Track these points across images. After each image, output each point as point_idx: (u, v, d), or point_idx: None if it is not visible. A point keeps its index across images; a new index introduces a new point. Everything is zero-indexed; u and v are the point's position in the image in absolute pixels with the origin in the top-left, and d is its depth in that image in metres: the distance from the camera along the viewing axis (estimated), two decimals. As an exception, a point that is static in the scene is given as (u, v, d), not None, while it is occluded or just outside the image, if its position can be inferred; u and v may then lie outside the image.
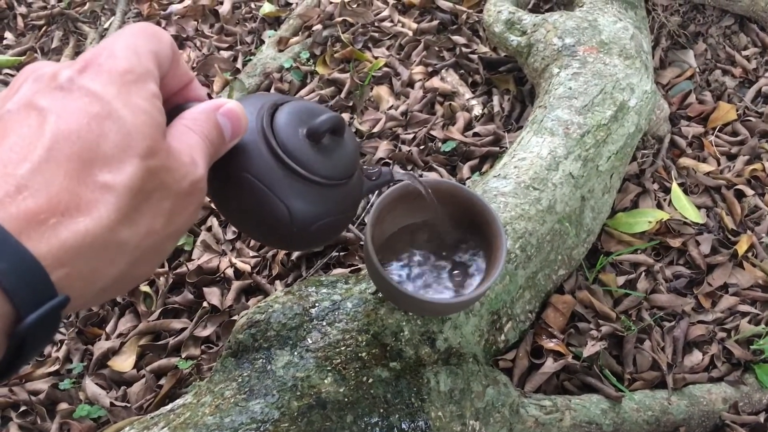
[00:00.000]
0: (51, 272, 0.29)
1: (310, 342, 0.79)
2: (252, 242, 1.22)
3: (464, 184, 1.19)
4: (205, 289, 1.14)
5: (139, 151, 0.33)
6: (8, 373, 0.31)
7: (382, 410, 0.74)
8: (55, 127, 0.32)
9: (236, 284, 1.14)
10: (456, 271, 0.78)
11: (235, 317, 1.09)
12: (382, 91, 1.50)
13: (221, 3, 1.81)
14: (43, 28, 1.82)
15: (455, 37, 1.60)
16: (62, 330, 1.15)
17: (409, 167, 1.32)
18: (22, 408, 1.04)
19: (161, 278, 1.17)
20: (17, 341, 0.29)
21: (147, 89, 0.36)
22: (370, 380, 0.76)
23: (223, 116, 0.42)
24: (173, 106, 0.44)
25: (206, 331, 1.09)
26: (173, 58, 0.41)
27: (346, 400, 0.73)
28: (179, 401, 0.79)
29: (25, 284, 0.29)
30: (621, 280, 1.11)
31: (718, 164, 1.33)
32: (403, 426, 0.75)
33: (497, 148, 1.32)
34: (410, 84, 1.53)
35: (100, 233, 0.31)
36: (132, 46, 0.37)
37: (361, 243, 1.18)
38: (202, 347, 1.09)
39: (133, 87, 0.35)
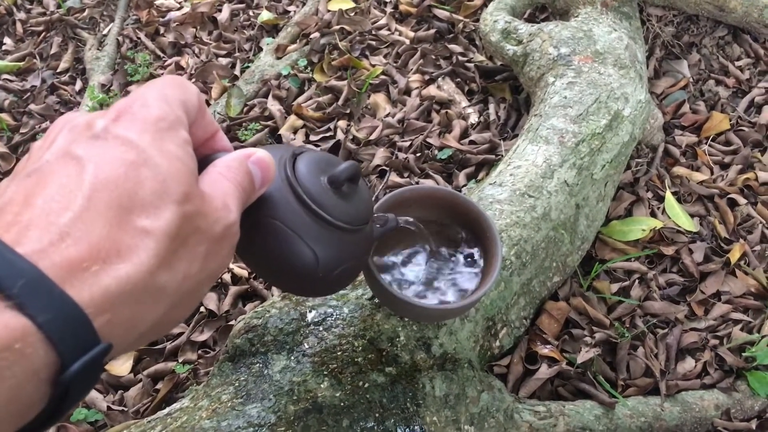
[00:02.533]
0: (94, 319, 0.30)
1: (307, 347, 0.79)
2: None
3: (460, 191, 1.20)
4: (203, 295, 1.15)
5: (175, 197, 0.34)
6: (51, 422, 0.31)
7: (377, 415, 0.75)
8: (94, 176, 0.32)
9: (233, 289, 1.14)
10: (451, 278, 0.79)
11: (232, 322, 1.10)
12: (379, 98, 1.51)
13: (220, 10, 1.83)
14: (42, 34, 1.83)
15: (452, 46, 1.62)
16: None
17: (405, 174, 1.33)
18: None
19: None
20: (62, 390, 0.29)
21: (179, 136, 0.37)
22: (366, 385, 0.77)
23: (254, 164, 0.43)
24: (202, 157, 0.45)
25: (203, 336, 1.10)
26: (200, 108, 0.42)
27: (342, 404, 0.74)
28: (176, 405, 0.79)
29: (69, 333, 0.29)
30: (615, 287, 1.12)
31: (712, 173, 1.34)
32: (399, 430, 0.75)
33: (493, 156, 1.34)
34: (407, 92, 1.54)
35: (141, 278, 0.32)
36: (162, 95, 0.38)
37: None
38: (199, 352, 1.09)
39: (166, 134, 0.36)
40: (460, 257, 0.81)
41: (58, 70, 1.74)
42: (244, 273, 1.17)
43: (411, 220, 0.74)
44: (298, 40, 1.70)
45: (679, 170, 1.33)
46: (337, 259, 0.56)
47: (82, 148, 0.34)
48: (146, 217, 0.32)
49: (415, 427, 0.77)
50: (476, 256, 0.80)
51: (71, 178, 0.32)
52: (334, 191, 0.55)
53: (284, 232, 0.53)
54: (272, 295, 1.12)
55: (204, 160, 0.43)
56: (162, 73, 1.65)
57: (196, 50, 1.74)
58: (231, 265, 1.18)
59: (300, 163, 0.55)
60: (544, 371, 0.98)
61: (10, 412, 0.28)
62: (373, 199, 1.25)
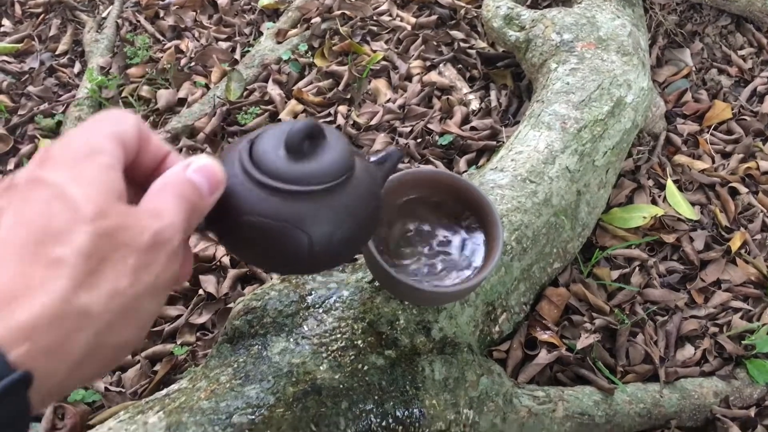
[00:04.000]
0: (9, 351, 0.30)
1: (306, 329, 0.79)
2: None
3: (461, 176, 1.20)
4: (201, 277, 1.14)
5: (87, 216, 0.34)
6: None
7: (376, 397, 0.75)
8: (10, 221, 0.33)
9: (232, 272, 1.14)
10: (452, 261, 0.79)
11: (230, 305, 1.09)
12: (380, 84, 1.51)
13: (220, -6, 1.81)
14: (41, 16, 1.82)
15: (453, 32, 1.61)
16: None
17: (405, 160, 1.33)
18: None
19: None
20: None
21: (97, 162, 0.37)
22: (366, 367, 0.76)
23: (195, 173, 0.43)
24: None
25: (202, 319, 1.09)
26: (141, 136, 0.42)
27: (341, 386, 0.74)
28: (174, 386, 0.79)
29: None
30: (615, 274, 1.12)
31: (713, 162, 1.34)
32: (398, 413, 0.75)
33: (494, 143, 1.33)
34: (408, 78, 1.53)
35: (57, 305, 0.32)
36: (87, 131, 0.39)
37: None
38: (198, 334, 1.09)
39: (83, 163, 0.36)
40: (462, 241, 0.80)
41: (56, 53, 1.73)
42: (243, 257, 1.16)
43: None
44: (298, 25, 1.69)
45: (680, 158, 1.33)
46: (328, 225, 0.52)
47: (3, 200, 0.35)
48: (59, 245, 0.33)
49: (414, 410, 0.77)
50: (477, 240, 0.80)
51: None
52: (294, 158, 0.51)
53: (260, 224, 0.50)
54: (271, 278, 1.12)
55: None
56: (161, 57, 1.64)
57: (196, 34, 1.72)
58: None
59: (256, 145, 0.52)
60: (543, 357, 0.98)
61: None
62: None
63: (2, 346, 0.30)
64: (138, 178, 0.44)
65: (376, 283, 0.84)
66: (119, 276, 0.35)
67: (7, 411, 0.30)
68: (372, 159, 0.61)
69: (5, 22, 1.80)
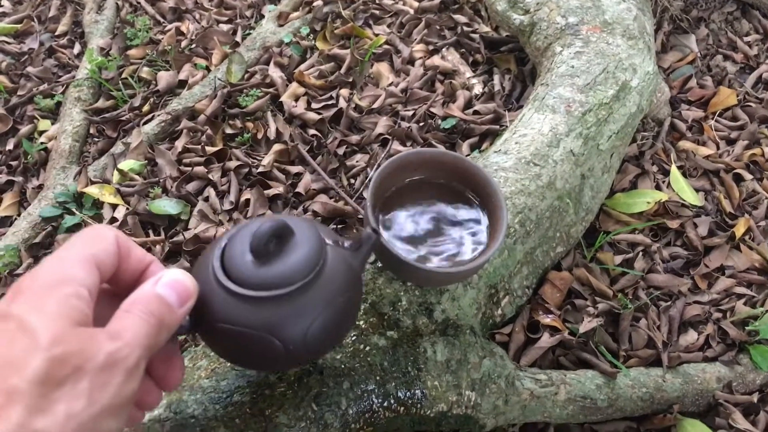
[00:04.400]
0: None
1: (308, 309, 0.78)
2: (250, 213, 1.21)
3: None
4: (201, 259, 1.13)
5: (43, 344, 0.36)
6: None
7: (378, 378, 0.74)
8: None
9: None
10: (455, 243, 0.78)
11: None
12: (383, 68, 1.49)
13: (221, -24, 1.79)
14: (41, -3, 1.80)
15: (457, 16, 1.59)
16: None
17: (408, 143, 1.32)
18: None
19: (158, 246, 1.17)
20: None
21: (60, 293, 0.39)
22: (368, 348, 0.75)
23: (164, 287, 0.45)
24: None
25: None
26: (122, 252, 0.46)
27: (343, 366, 0.73)
28: (175, 365, 0.78)
29: None
30: (618, 259, 1.11)
31: (718, 148, 1.33)
32: (399, 394, 0.75)
33: (497, 127, 1.32)
34: (411, 62, 1.52)
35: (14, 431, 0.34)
36: (57, 260, 0.42)
37: (359, 216, 1.18)
38: (197, 316, 1.08)
39: (46, 296, 0.39)
40: (465, 222, 0.79)
41: (56, 33, 1.71)
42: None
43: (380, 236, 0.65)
44: (300, 8, 1.68)
45: (685, 144, 1.32)
46: (298, 325, 0.52)
47: None
48: (15, 373, 0.35)
49: (416, 391, 0.76)
50: (481, 221, 0.79)
51: None
52: (260, 261, 0.51)
53: (231, 331, 0.51)
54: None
55: None
56: (161, 39, 1.62)
57: (197, 16, 1.71)
58: (230, 231, 1.17)
59: (228, 250, 0.53)
60: (545, 340, 0.98)
61: None
62: (375, 167, 1.24)
63: None
64: (122, 287, 0.47)
65: (379, 264, 0.84)
66: (73, 399, 0.37)
67: None
68: (346, 244, 0.59)
69: (5, 2, 1.78)
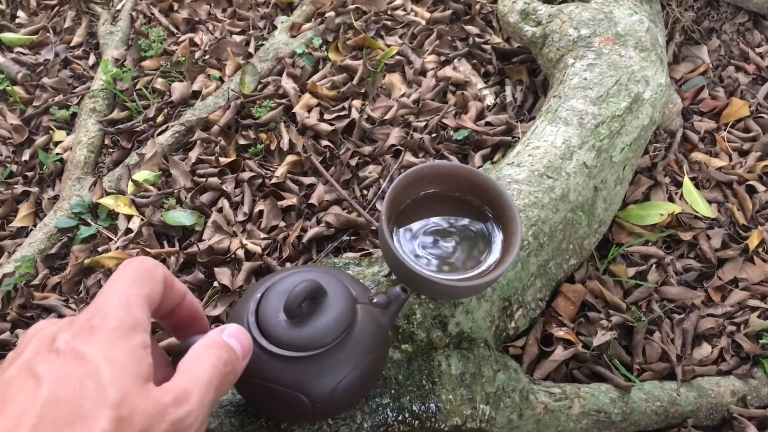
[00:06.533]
0: None
1: (323, 322, 0.79)
2: (263, 224, 1.22)
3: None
4: (216, 270, 1.14)
5: (111, 402, 0.37)
6: None
7: (393, 391, 0.74)
8: (47, 393, 0.36)
9: (247, 265, 1.14)
10: (470, 255, 0.78)
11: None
12: (395, 78, 1.50)
13: (234, -13, 1.81)
14: (56, 8, 1.82)
15: (468, 27, 1.60)
16: (72, 306, 1.15)
17: (420, 154, 1.32)
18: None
19: (172, 257, 1.17)
20: None
21: (132, 341, 0.41)
22: (383, 361, 0.76)
23: (230, 337, 0.47)
24: (177, 332, 0.53)
25: (216, 311, 1.09)
26: (164, 287, 0.47)
27: (358, 379, 0.73)
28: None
29: None
30: (631, 271, 1.11)
31: (730, 159, 1.33)
32: (414, 408, 0.75)
33: (509, 138, 1.32)
34: (422, 72, 1.52)
35: None
36: (124, 299, 0.42)
37: (372, 228, 1.18)
38: (212, 326, 1.08)
39: (118, 342, 0.40)
40: (479, 235, 0.80)
41: (71, 44, 1.73)
42: (258, 249, 1.16)
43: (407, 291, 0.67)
44: (312, 19, 1.69)
45: (697, 156, 1.32)
46: (326, 384, 0.54)
47: (42, 364, 0.38)
48: (81, 425, 0.36)
49: (431, 405, 0.76)
50: (495, 235, 0.79)
51: (27, 395, 0.37)
52: (293, 322, 0.53)
53: (264, 387, 0.53)
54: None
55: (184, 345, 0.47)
56: (175, 50, 1.64)
57: (210, 27, 1.72)
58: (244, 241, 1.17)
59: (262, 306, 0.55)
60: (559, 353, 0.98)
61: None
62: (388, 179, 1.25)
63: None
64: (161, 313, 0.50)
65: (393, 277, 0.84)
66: None
67: None
68: (376, 300, 0.62)
69: (20, 13, 1.81)
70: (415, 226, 0.80)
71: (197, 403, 0.41)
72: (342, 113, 1.43)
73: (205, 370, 0.43)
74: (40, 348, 0.40)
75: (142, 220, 1.24)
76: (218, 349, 0.45)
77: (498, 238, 0.79)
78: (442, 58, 1.54)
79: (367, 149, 1.35)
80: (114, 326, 0.40)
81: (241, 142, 1.38)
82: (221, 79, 1.56)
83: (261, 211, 1.24)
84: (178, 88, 1.52)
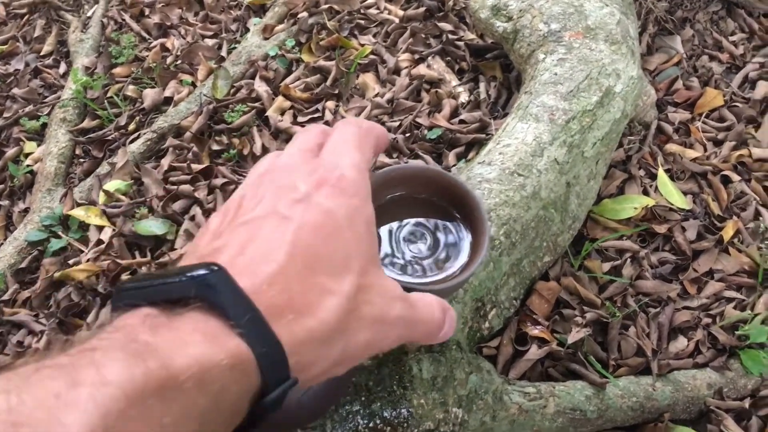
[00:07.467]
0: (288, 358, 0.34)
1: (291, 330, 0.78)
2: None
3: (449, 171, 1.18)
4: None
5: (356, 269, 0.38)
6: None
7: (363, 398, 0.73)
8: (296, 235, 0.37)
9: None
10: (438, 258, 0.78)
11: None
12: (368, 78, 1.49)
13: (206, -10, 1.79)
14: (26, 17, 1.80)
15: (442, 24, 1.59)
16: (42, 320, 1.14)
17: (394, 155, 1.31)
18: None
19: (143, 268, 1.16)
20: (258, 412, 0.34)
21: (366, 215, 0.41)
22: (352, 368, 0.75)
23: (450, 318, 0.48)
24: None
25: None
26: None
27: (326, 388, 0.73)
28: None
29: (273, 366, 0.34)
30: (606, 266, 1.11)
31: (705, 150, 1.32)
32: (385, 414, 0.74)
33: (483, 135, 1.32)
34: (396, 71, 1.52)
35: (321, 331, 0.36)
36: (357, 164, 0.43)
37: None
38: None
39: (356, 212, 0.40)
40: (448, 237, 0.79)
41: (41, 53, 1.71)
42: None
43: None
44: (285, 20, 1.67)
45: (672, 147, 1.32)
46: (293, 394, 0.57)
47: (287, 208, 0.39)
48: (331, 279, 0.37)
49: (402, 410, 0.76)
50: (464, 236, 0.78)
51: (277, 233, 0.37)
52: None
53: None
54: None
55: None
56: (147, 56, 1.62)
57: (182, 31, 1.71)
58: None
59: None
60: (534, 352, 0.97)
61: (230, 423, 0.33)
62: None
63: (287, 352, 0.34)
64: None
65: (362, 282, 0.83)
66: (360, 329, 0.39)
67: (276, 405, 0.35)
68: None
69: (-11, 23, 1.79)
70: (382, 230, 0.79)
71: (407, 309, 0.42)
72: (316, 115, 1.42)
73: (428, 302, 0.45)
74: (282, 195, 0.40)
75: (113, 230, 1.23)
76: (438, 305, 0.46)
77: (467, 239, 0.78)
78: (416, 56, 1.53)
79: (340, 151, 1.33)
80: (352, 192, 0.41)
81: (215, 147, 1.37)
82: (194, 84, 1.55)
83: (234, 218, 1.22)
84: (150, 95, 1.50)
